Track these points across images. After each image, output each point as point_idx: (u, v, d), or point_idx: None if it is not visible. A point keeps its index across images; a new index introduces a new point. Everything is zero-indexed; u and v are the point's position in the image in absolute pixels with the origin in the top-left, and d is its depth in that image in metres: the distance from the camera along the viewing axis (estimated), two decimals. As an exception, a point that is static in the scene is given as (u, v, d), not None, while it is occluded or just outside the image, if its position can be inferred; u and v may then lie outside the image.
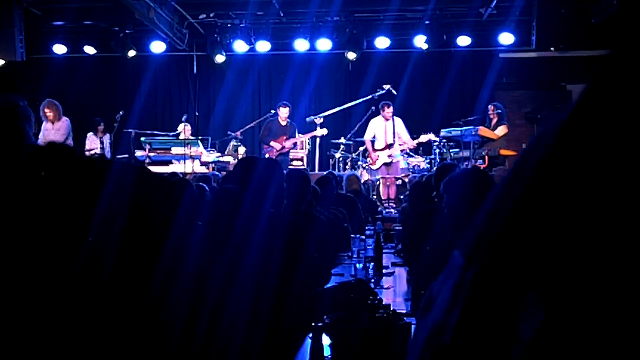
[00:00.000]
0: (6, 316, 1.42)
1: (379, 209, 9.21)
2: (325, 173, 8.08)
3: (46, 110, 8.92)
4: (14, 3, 9.58)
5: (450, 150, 10.15)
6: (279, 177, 3.11)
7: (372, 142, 10.00)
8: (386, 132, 9.87)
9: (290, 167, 9.90)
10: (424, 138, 9.91)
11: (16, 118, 1.85)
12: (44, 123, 8.95)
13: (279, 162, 3.17)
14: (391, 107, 9.88)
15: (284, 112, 10.23)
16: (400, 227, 5.95)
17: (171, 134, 10.92)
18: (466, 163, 9.55)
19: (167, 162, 10.28)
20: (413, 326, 2.26)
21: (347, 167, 10.72)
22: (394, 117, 9.94)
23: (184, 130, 10.73)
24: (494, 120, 9.85)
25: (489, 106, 10.01)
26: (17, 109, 1.87)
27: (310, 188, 4.42)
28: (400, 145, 10.01)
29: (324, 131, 10.36)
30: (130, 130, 10.58)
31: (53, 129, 8.97)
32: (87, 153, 9.55)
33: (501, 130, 9.68)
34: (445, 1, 10.68)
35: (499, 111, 9.87)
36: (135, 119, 11.03)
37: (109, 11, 10.88)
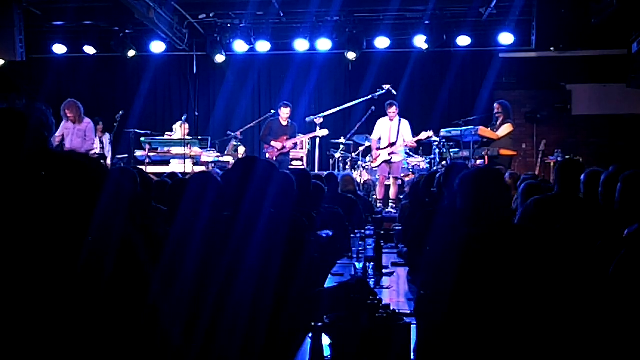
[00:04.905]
0: (6, 316, 1.42)
1: (377, 209, 9.22)
2: (325, 173, 8.07)
3: (67, 111, 8.86)
4: (14, 3, 9.58)
5: (450, 150, 10.14)
6: (277, 177, 3.10)
7: (378, 142, 10.03)
8: (390, 131, 9.91)
9: (290, 167, 9.90)
10: (423, 135, 9.90)
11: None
12: (63, 122, 8.89)
13: (275, 165, 3.16)
14: (394, 107, 9.88)
15: (285, 112, 10.22)
16: (400, 227, 5.94)
17: (166, 135, 10.93)
18: (466, 163, 9.53)
19: (167, 162, 10.30)
20: (413, 326, 2.26)
21: (347, 167, 10.72)
22: (401, 119, 9.96)
23: (182, 128, 10.72)
24: (500, 119, 9.71)
25: (495, 104, 9.86)
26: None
27: (310, 186, 4.42)
28: (403, 143, 10.00)
29: (325, 132, 10.36)
30: (130, 130, 10.58)
31: (74, 129, 8.91)
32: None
33: (505, 129, 9.52)
34: (445, 1, 10.66)
35: (504, 110, 9.72)
36: (135, 119, 11.03)
37: (109, 11, 10.87)
